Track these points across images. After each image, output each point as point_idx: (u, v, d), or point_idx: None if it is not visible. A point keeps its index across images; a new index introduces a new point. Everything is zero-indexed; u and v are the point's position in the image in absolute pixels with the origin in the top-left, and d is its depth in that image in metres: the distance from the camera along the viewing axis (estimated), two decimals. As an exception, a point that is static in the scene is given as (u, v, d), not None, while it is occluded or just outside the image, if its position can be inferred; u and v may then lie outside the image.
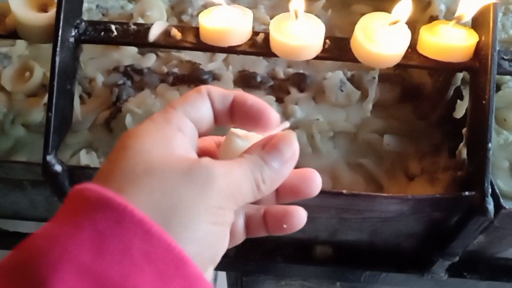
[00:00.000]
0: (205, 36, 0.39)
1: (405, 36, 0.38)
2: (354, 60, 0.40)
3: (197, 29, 0.41)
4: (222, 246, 0.22)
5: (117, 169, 0.21)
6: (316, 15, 0.58)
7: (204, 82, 0.52)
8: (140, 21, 0.56)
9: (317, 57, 0.40)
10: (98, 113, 0.50)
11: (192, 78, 0.53)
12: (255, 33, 0.41)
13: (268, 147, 0.23)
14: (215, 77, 0.53)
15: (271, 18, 0.41)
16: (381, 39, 0.38)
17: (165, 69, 0.54)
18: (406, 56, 0.39)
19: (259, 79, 0.53)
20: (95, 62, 0.54)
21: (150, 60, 0.55)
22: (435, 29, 0.39)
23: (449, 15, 0.51)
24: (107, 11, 0.60)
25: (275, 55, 0.40)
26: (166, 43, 0.41)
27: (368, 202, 0.39)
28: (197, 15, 0.48)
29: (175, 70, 0.54)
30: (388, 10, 0.40)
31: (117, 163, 0.21)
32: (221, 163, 0.22)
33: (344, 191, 0.38)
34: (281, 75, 0.53)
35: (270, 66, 0.55)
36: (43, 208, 0.46)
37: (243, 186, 0.22)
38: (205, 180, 0.21)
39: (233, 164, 0.22)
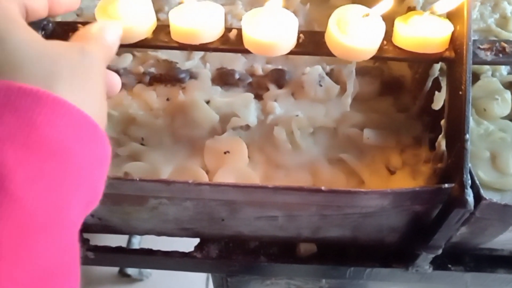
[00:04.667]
0: (176, 35, 0.38)
1: (380, 29, 0.38)
2: (329, 54, 0.39)
3: (168, 27, 0.40)
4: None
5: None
6: (294, 9, 0.58)
7: (181, 81, 0.51)
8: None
9: (291, 52, 0.39)
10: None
11: (169, 77, 0.52)
12: (227, 30, 0.40)
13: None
14: (192, 76, 0.52)
15: (249, 14, 0.40)
16: (355, 32, 0.37)
17: (141, 69, 0.53)
18: (381, 48, 0.39)
19: (237, 76, 0.52)
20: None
21: (126, 60, 0.54)
22: (410, 20, 0.38)
23: (427, 6, 0.50)
24: (82, 11, 0.58)
25: (248, 52, 0.39)
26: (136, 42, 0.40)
27: (347, 198, 0.38)
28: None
29: (152, 69, 0.53)
30: (366, 2, 0.39)
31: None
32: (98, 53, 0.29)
33: (323, 188, 0.37)
34: (259, 71, 0.53)
35: (248, 62, 0.54)
36: None
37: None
38: (96, 76, 0.28)
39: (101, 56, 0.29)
